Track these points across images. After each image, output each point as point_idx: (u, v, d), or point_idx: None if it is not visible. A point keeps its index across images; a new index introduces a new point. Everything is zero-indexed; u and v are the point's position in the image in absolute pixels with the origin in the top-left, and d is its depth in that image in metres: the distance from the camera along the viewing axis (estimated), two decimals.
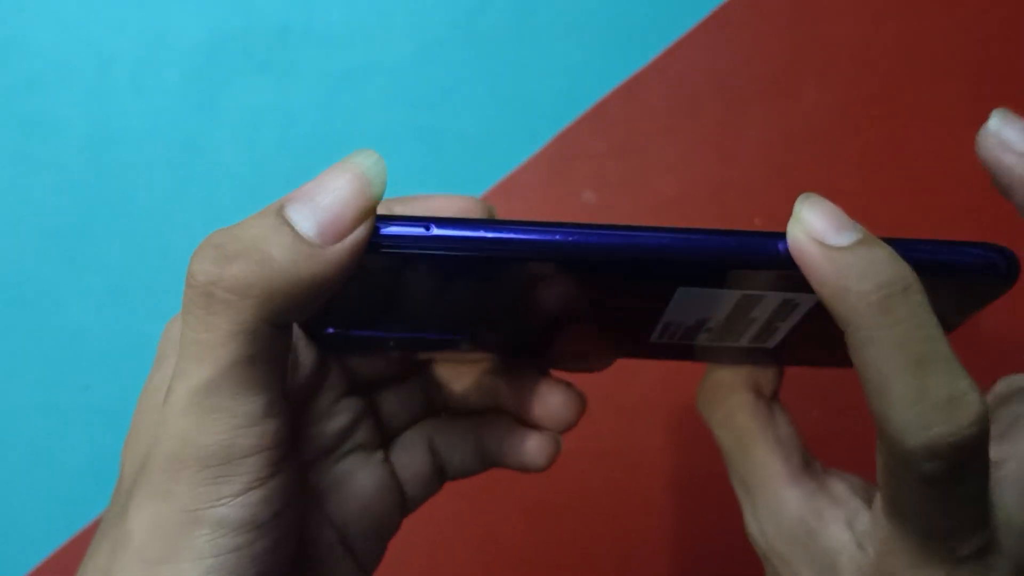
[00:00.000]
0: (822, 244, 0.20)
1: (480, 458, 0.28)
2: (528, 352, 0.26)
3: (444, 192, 0.25)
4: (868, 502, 0.24)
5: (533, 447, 0.27)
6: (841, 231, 0.20)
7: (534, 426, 0.27)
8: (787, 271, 0.20)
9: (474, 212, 0.25)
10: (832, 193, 0.45)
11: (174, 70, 0.46)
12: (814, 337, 0.24)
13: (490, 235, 0.20)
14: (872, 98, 0.46)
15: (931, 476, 0.19)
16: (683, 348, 0.25)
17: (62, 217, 0.45)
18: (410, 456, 0.27)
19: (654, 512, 0.44)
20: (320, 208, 0.19)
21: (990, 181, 0.25)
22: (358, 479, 0.26)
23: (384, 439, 0.27)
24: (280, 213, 0.19)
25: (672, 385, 0.44)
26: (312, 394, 0.25)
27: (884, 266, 0.20)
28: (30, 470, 0.43)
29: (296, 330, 0.24)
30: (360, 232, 0.19)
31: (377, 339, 0.25)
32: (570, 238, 0.20)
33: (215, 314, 0.19)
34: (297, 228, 0.19)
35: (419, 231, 0.20)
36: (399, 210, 0.24)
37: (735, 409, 0.27)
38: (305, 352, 0.25)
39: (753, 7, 0.47)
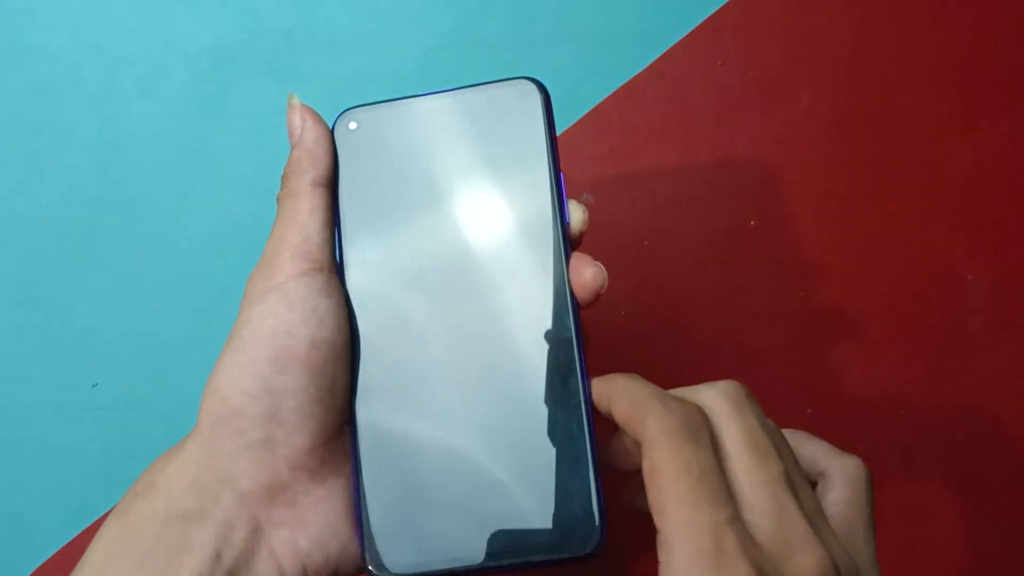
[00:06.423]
0: None
1: None
2: None
3: None
4: None
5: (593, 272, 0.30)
6: None
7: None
8: None
9: None
10: (825, 195, 0.45)
11: (181, 75, 0.46)
12: None
13: None
14: (865, 102, 0.47)
15: None
16: None
17: (71, 218, 0.45)
18: None
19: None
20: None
21: None
22: None
23: None
24: None
25: (671, 384, 0.44)
26: None
27: None
28: (38, 467, 0.44)
29: None
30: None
31: None
32: None
33: None
34: None
35: None
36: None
37: None
38: None
39: (748, 13, 0.47)
